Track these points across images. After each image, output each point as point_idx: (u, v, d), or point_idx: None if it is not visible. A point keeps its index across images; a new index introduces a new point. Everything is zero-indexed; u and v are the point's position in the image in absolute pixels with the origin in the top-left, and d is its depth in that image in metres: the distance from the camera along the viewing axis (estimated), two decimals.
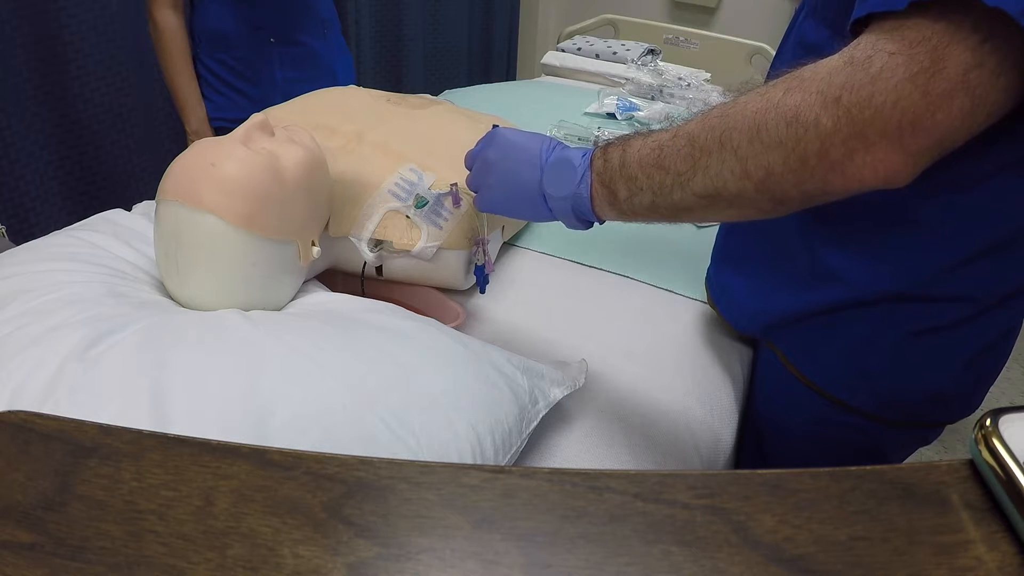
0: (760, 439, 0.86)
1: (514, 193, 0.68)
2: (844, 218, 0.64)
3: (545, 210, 0.66)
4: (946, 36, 0.41)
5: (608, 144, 0.61)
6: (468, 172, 0.74)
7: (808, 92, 0.46)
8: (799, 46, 0.65)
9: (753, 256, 0.79)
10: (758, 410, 0.86)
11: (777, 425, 0.82)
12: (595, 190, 0.61)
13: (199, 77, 1.35)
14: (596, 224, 0.65)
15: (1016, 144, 0.52)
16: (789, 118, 0.46)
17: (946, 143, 0.44)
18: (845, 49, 0.46)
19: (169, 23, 1.26)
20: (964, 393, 0.71)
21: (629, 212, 0.59)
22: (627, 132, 0.62)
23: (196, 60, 1.35)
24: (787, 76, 0.48)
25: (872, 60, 0.43)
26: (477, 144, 0.72)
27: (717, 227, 1.14)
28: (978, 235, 0.58)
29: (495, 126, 0.72)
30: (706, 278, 0.93)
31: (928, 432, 0.76)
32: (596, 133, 1.33)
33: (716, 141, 0.51)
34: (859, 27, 0.47)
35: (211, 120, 1.37)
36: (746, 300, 0.81)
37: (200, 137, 1.35)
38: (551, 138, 0.67)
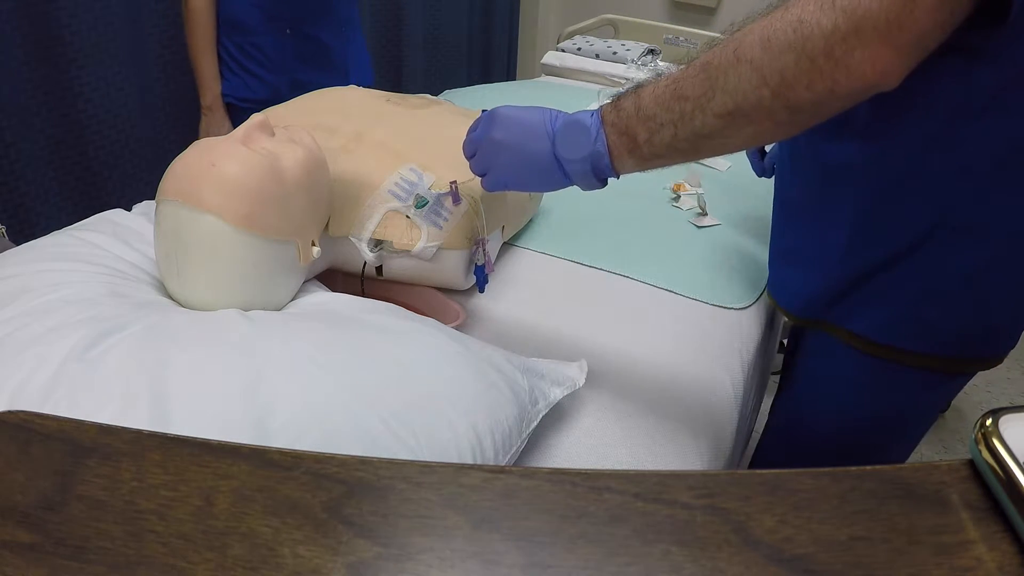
0: (807, 441, 0.87)
1: (526, 167, 0.68)
2: (878, 172, 0.67)
3: (560, 176, 0.67)
4: None
5: (618, 96, 0.63)
6: (468, 169, 0.74)
7: (806, 3, 0.51)
8: None
9: (802, 242, 0.81)
10: (808, 412, 0.86)
11: (834, 421, 0.84)
12: (612, 142, 0.62)
13: (217, 57, 1.41)
14: (612, 180, 0.67)
15: (1012, 59, 0.56)
16: (795, 24, 0.51)
17: (925, 39, 0.50)
18: None
19: (200, 3, 1.35)
20: (1014, 327, 0.74)
21: (649, 156, 0.61)
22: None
23: (216, 40, 1.40)
24: (786, 1, 0.54)
25: None
26: (477, 129, 0.72)
27: (717, 227, 1.14)
28: (993, 156, 0.61)
29: (483, 111, 0.72)
30: (767, 284, 0.93)
31: (967, 375, 0.80)
32: None
33: (731, 58, 0.55)
34: None
35: (223, 96, 1.43)
36: (803, 286, 0.82)
37: (212, 112, 1.43)
38: (549, 108, 0.68)
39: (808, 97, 0.53)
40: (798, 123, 0.56)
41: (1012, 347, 0.76)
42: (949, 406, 1.80)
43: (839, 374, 0.82)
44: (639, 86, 0.62)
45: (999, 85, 0.58)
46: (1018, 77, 0.57)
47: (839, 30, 0.50)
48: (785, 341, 0.99)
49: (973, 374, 0.80)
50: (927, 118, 0.61)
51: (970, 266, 0.67)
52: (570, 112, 0.67)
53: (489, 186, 0.73)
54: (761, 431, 0.99)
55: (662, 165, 0.63)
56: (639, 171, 0.64)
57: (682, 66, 0.59)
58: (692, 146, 0.59)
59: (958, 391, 0.84)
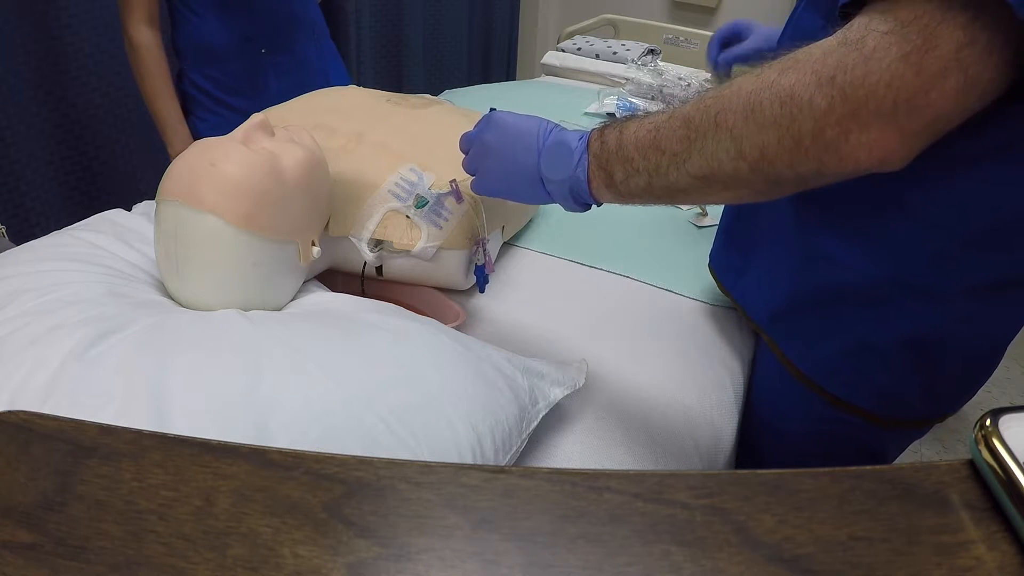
0: (757, 441, 0.86)
1: (511, 176, 0.67)
2: (833, 201, 0.64)
3: (543, 192, 0.66)
4: (937, 15, 0.42)
5: (605, 126, 0.62)
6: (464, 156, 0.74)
7: (803, 72, 0.46)
8: (795, 37, 0.65)
9: (759, 242, 0.79)
10: (755, 412, 0.86)
11: (774, 428, 0.82)
12: (592, 172, 0.61)
13: (186, 95, 1.30)
14: (594, 206, 0.65)
15: (1004, 129, 0.52)
16: (783, 98, 0.46)
17: (941, 123, 0.44)
18: (839, 31, 0.46)
19: (145, 40, 1.18)
20: (959, 391, 0.71)
21: (626, 194, 0.59)
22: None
23: (182, 77, 1.30)
24: (782, 58, 0.48)
25: (865, 40, 0.44)
26: (475, 127, 0.72)
27: (718, 227, 1.14)
28: (965, 222, 0.58)
29: (492, 109, 0.71)
30: (710, 262, 0.92)
31: (921, 430, 0.76)
32: None
33: (711, 122, 0.51)
34: (849, 11, 0.48)
35: None
36: (756, 286, 0.81)
37: None
38: (548, 120, 0.67)
39: (791, 175, 0.49)
40: (780, 194, 0.53)
41: (960, 407, 0.73)
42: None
43: (776, 391, 0.80)
44: (626, 120, 0.60)
45: (984, 153, 0.53)
46: (1007, 148, 0.53)
47: (834, 111, 0.44)
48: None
49: (922, 430, 0.76)
50: (910, 169, 0.52)
51: (917, 331, 0.64)
52: (568, 114, 0.66)
53: (477, 188, 0.72)
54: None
55: (641, 204, 0.61)
56: (618, 204, 0.62)
57: (667, 109, 0.57)
58: (668, 196, 0.57)
59: (903, 445, 0.79)
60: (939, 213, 0.58)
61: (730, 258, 0.88)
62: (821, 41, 0.47)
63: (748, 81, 0.50)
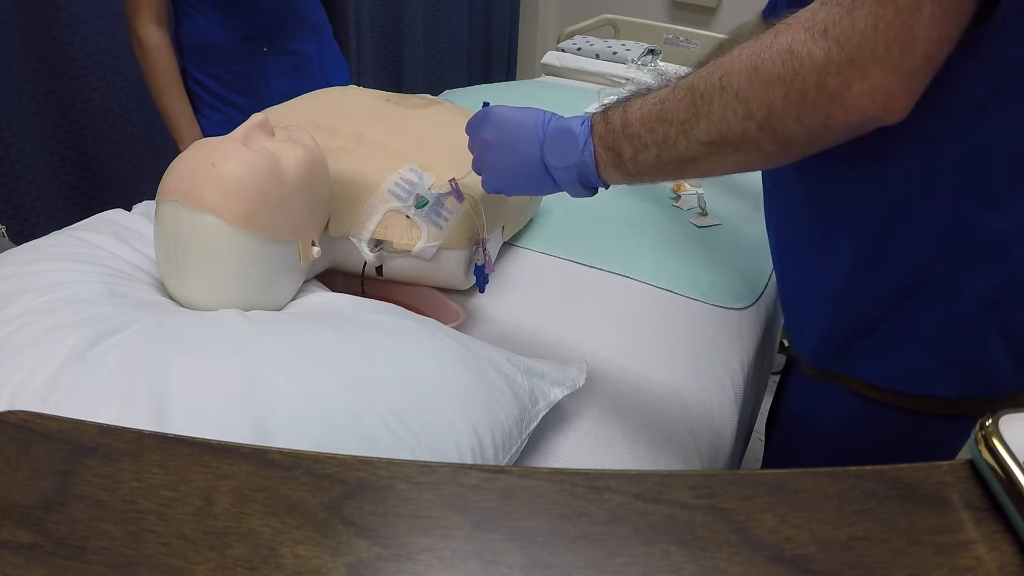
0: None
1: (516, 170, 0.67)
2: (857, 202, 0.63)
3: (549, 182, 0.65)
4: None
5: (607, 107, 0.61)
6: (466, 168, 0.74)
7: (796, 31, 0.48)
8: None
9: (802, 284, 0.75)
10: (800, 445, 0.82)
11: (826, 457, 0.77)
12: (599, 155, 0.61)
13: (189, 92, 1.30)
14: (602, 189, 0.65)
15: (990, 60, 0.52)
16: (784, 55, 0.48)
17: (932, 57, 0.46)
18: None
19: (154, 39, 1.19)
20: None
21: (635, 172, 0.60)
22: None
23: (185, 74, 1.30)
24: (775, 25, 0.50)
25: None
26: (469, 123, 0.71)
27: (717, 227, 1.14)
28: (998, 158, 0.56)
29: (485, 103, 0.70)
30: (784, 329, 0.88)
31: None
32: None
33: (716, 86, 0.52)
34: None
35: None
36: (812, 329, 0.75)
37: None
38: (544, 111, 0.67)
39: (799, 131, 0.50)
40: (790, 155, 0.53)
41: None
42: None
43: (833, 420, 0.75)
44: (629, 98, 0.60)
45: (992, 83, 0.53)
46: (1009, 72, 0.52)
47: (832, 61, 0.46)
48: (785, 342, 0.96)
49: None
50: (918, 130, 0.53)
51: (988, 289, 0.61)
52: (568, 114, 0.66)
53: (486, 187, 0.72)
54: (760, 445, 0.97)
55: (650, 181, 0.61)
56: (627, 184, 0.62)
57: (670, 84, 0.57)
58: (678, 168, 0.57)
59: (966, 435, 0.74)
60: (971, 159, 0.56)
61: (788, 319, 0.83)
62: (805, 7, 0.49)
63: (747, 45, 0.51)
